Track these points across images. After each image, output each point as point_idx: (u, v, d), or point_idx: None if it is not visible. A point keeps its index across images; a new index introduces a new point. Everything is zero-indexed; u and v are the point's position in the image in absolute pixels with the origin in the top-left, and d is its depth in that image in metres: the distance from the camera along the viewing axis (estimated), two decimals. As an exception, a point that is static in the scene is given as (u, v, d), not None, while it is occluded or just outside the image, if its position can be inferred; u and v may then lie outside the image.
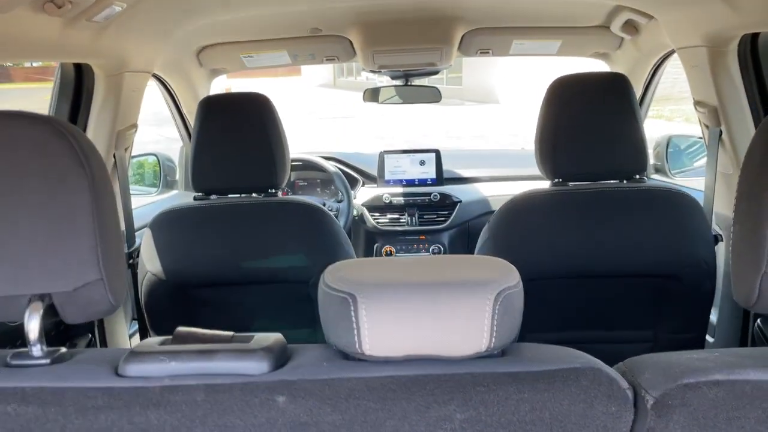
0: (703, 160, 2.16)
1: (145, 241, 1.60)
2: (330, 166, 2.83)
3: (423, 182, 2.86)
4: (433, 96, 2.71)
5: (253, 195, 1.67)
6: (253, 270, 1.58)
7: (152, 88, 2.15)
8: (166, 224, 1.60)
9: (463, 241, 2.81)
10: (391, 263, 0.81)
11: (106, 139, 1.83)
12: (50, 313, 0.77)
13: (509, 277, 0.74)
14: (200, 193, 1.67)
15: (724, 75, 1.73)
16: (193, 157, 1.63)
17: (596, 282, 1.55)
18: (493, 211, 1.64)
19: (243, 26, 2.16)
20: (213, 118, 1.63)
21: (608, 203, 1.52)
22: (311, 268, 1.55)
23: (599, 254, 1.50)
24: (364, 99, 2.83)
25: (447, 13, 2.09)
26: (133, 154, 2.07)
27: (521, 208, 1.56)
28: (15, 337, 1.50)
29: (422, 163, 2.86)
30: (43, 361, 0.76)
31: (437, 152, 2.86)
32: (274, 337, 0.77)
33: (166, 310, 1.62)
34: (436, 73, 2.59)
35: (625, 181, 1.58)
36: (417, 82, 2.64)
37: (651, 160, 2.77)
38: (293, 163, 2.68)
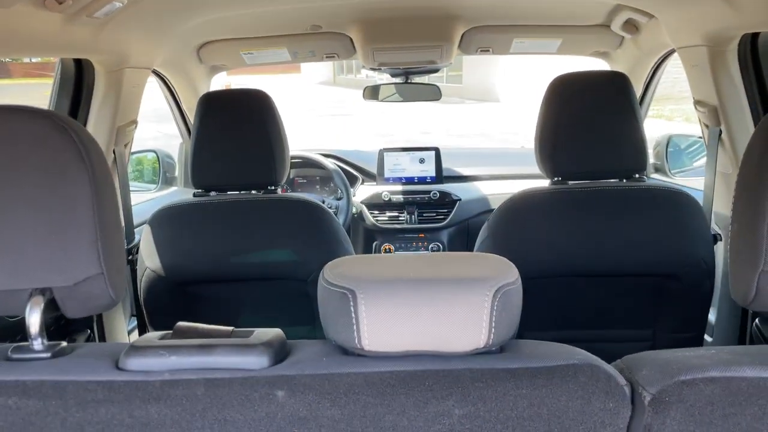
0: (703, 160, 2.17)
1: (144, 238, 1.60)
2: (329, 163, 2.83)
3: (422, 180, 2.86)
4: (433, 94, 2.71)
5: (253, 192, 1.68)
6: (252, 267, 1.58)
7: (151, 85, 2.15)
8: (166, 220, 1.60)
9: (462, 240, 2.82)
10: (390, 260, 0.81)
11: (106, 135, 1.83)
12: (50, 307, 0.77)
13: (508, 273, 0.74)
14: (200, 190, 1.67)
15: (724, 75, 1.73)
16: (192, 154, 1.63)
17: (595, 281, 1.56)
18: (493, 210, 1.64)
19: (243, 23, 2.16)
20: (213, 115, 1.63)
21: (608, 202, 1.52)
22: (310, 266, 1.55)
23: (598, 253, 1.50)
24: (364, 97, 2.83)
25: (447, 10, 2.10)
26: (132, 150, 2.07)
27: (521, 206, 1.56)
28: (14, 332, 1.51)
29: (422, 161, 2.86)
30: (44, 355, 0.76)
31: (437, 150, 2.86)
32: (273, 332, 0.78)
33: (165, 306, 1.62)
34: (436, 71, 2.59)
35: (624, 181, 1.58)
36: (417, 80, 2.63)
37: (651, 160, 2.78)
38: (293, 161, 2.68)
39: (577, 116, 1.54)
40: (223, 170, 1.63)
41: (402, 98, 2.71)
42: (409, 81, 2.62)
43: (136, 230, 1.97)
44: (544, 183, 1.62)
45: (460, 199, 2.80)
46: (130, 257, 1.85)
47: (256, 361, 0.73)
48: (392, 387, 0.71)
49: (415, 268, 0.76)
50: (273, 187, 1.67)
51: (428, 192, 2.80)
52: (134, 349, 0.74)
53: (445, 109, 14.79)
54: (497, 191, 2.79)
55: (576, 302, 1.61)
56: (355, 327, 0.71)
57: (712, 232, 1.61)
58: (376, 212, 2.83)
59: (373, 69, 2.51)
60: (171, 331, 0.78)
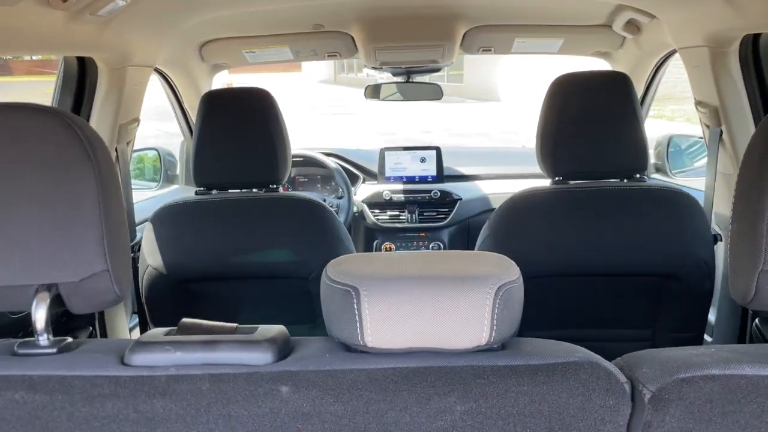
0: (704, 160, 2.17)
1: (146, 235, 1.61)
2: (330, 162, 2.83)
3: (423, 179, 2.86)
4: (434, 93, 2.71)
5: (254, 190, 1.68)
6: (253, 265, 1.58)
7: (152, 83, 2.16)
8: (167, 218, 1.61)
9: (463, 239, 2.82)
10: (393, 257, 0.82)
11: (109, 133, 1.83)
12: (55, 303, 0.77)
13: (510, 271, 0.74)
14: (201, 188, 1.68)
15: (726, 75, 1.73)
16: (194, 152, 1.63)
17: (595, 281, 1.56)
18: (494, 209, 1.64)
19: (245, 22, 2.17)
20: (215, 113, 1.63)
21: (608, 202, 1.53)
22: (311, 264, 1.55)
23: (599, 253, 1.51)
24: (365, 96, 2.83)
25: (449, 10, 2.10)
26: (133, 148, 2.08)
27: (521, 206, 1.56)
28: (17, 328, 1.51)
29: (423, 160, 2.87)
30: (50, 350, 0.76)
31: (438, 149, 2.87)
32: (277, 329, 0.78)
33: (167, 304, 1.62)
34: (437, 70, 2.59)
35: (625, 180, 1.59)
36: (418, 79, 2.64)
37: (652, 160, 2.78)
38: (294, 159, 2.68)
39: (578, 116, 1.54)
40: (224, 168, 1.63)
41: (403, 97, 2.71)
42: (410, 80, 2.63)
43: (137, 228, 1.97)
44: (545, 182, 1.63)
45: (460, 199, 2.80)
46: (131, 255, 1.85)
47: (260, 357, 0.73)
48: (395, 383, 0.71)
49: (418, 266, 0.76)
50: (275, 186, 1.68)
51: (429, 191, 2.81)
52: (140, 344, 0.75)
53: (446, 108, 14.78)
54: (498, 191, 2.79)
55: (576, 302, 1.61)
56: (358, 324, 0.72)
57: (713, 233, 1.61)
58: (377, 211, 2.83)
59: (374, 68, 2.51)
60: (176, 328, 0.79)
